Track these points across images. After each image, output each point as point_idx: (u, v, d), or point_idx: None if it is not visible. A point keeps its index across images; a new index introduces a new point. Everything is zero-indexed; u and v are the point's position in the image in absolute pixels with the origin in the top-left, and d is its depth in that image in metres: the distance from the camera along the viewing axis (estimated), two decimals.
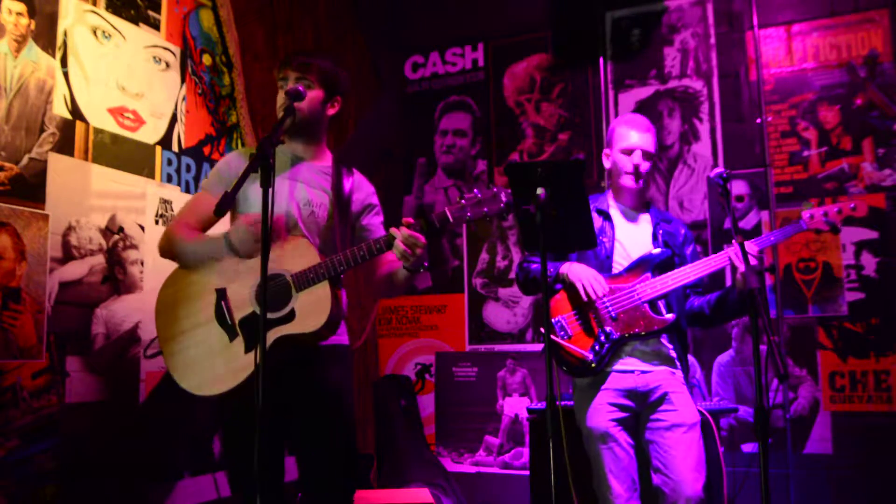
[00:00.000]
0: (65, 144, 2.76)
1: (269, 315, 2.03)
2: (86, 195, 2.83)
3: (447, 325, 4.60)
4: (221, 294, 2.15)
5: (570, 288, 2.53)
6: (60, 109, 2.75)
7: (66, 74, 2.78)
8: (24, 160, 2.61)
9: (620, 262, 2.59)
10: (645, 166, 2.61)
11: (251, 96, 3.69)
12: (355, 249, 2.10)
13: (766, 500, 1.95)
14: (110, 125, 2.95)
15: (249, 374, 2.04)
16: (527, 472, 3.57)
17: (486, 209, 2.06)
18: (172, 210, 3.19)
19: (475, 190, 2.11)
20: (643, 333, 2.48)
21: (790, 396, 3.78)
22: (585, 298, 2.48)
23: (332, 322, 2.11)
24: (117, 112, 2.99)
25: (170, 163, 3.22)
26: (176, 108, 3.28)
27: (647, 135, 2.63)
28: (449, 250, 4.67)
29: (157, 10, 3.23)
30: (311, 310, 2.07)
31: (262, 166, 1.85)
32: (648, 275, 2.53)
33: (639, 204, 2.69)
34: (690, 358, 3.95)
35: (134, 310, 2.99)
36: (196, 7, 3.45)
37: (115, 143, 2.97)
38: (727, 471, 2.93)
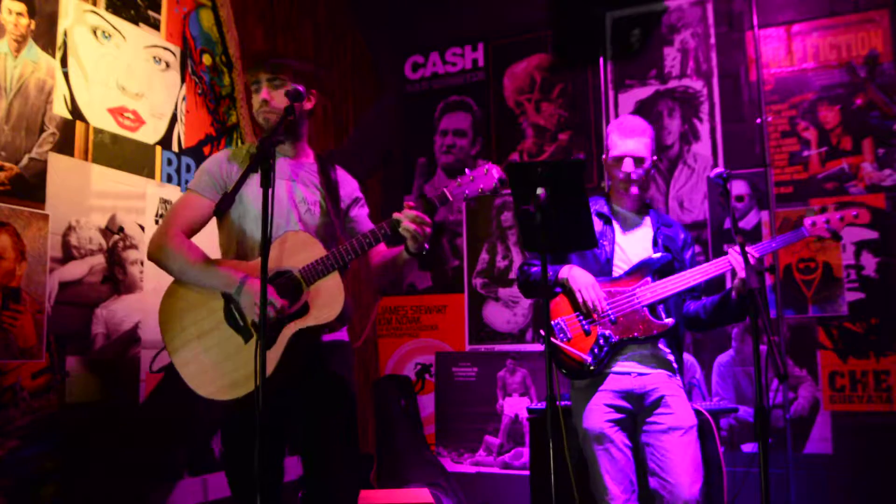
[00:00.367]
0: (65, 144, 2.76)
1: None
2: (86, 195, 2.83)
3: (447, 325, 4.60)
4: (230, 297, 2.12)
5: (571, 293, 2.53)
6: (60, 109, 2.75)
7: (66, 74, 2.78)
8: (24, 160, 2.61)
9: (621, 265, 2.59)
10: (637, 173, 2.59)
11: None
12: (361, 237, 2.11)
13: (766, 500, 1.95)
14: (110, 125, 2.95)
15: (272, 371, 1.99)
16: (527, 472, 3.57)
17: (481, 186, 2.12)
18: None
19: (466, 170, 2.15)
20: (642, 337, 2.49)
21: (790, 396, 3.78)
22: (585, 310, 2.49)
23: (346, 311, 2.11)
24: (117, 112, 2.99)
25: (170, 163, 3.22)
26: (176, 108, 3.28)
27: (637, 139, 2.60)
28: (449, 250, 4.67)
29: (157, 10, 3.23)
30: (325, 301, 2.07)
31: (263, 166, 1.84)
32: (649, 279, 2.53)
33: (638, 207, 2.69)
34: (691, 358, 3.95)
35: (134, 310, 2.99)
36: (196, 7, 3.45)
37: (115, 143, 2.97)
38: (727, 471, 2.93)
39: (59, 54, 2.76)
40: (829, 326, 3.77)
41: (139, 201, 3.06)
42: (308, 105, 2.27)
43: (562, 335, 2.52)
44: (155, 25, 3.21)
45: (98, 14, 2.94)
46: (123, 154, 3.00)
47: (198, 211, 2.23)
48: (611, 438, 2.46)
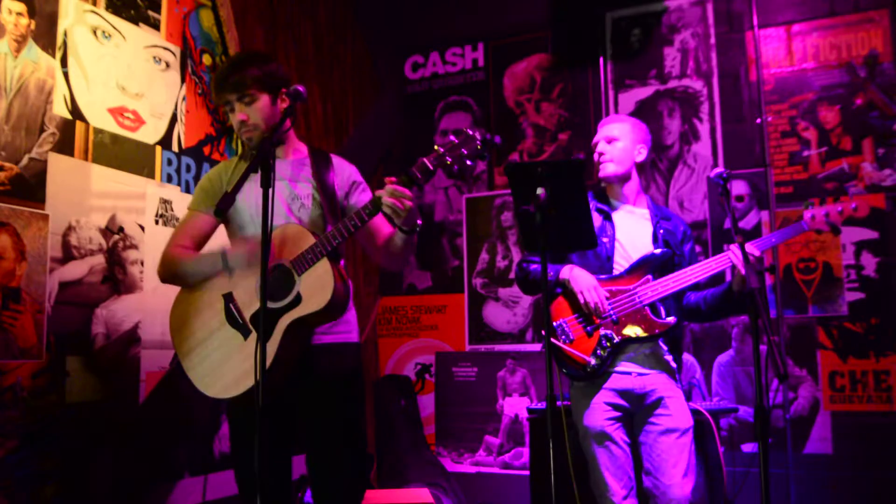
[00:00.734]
0: (65, 144, 2.76)
1: (277, 304, 2.05)
2: (86, 195, 2.83)
3: (447, 325, 4.60)
4: (229, 297, 2.17)
5: (572, 294, 2.53)
6: (60, 109, 2.75)
7: (66, 74, 2.78)
8: (24, 160, 2.61)
9: (621, 262, 2.59)
10: (609, 152, 2.62)
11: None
12: (346, 220, 2.09)
13: (766, 500, 1.95)
14: (110, 125, 2.95)
15: (270, 364, 2.02)
16: (527, 472, 3.57)
17: (463, 151, 2.03)
18: (172, 210, 3.20)
19: (450, 136, 2.08)
20: (644, 336, 2.49)
21: (790, 396, 3.78)
22: (586, 311, 2.49)
23: (338, 296, 2.09)
24: (117, 112, 2.99)
25: (170, 163, 3.22)
26: (176, 108, 3.28)
27: (610, 126, 2.67)
28: (449, 250, 4.67)
29: (157, 10, 3.23)
30: (315, 289, 2.07)
31: (263, 167, 1.84)
32: (649, 276, 2.53)
33: (625, 194, 2.67)
34: (691, 358, 3.95)
35: (134, 310, 2.99)
36: (196, 7, 3.45)
37: (115, 143, 2.97)
38: (727, 471, 2.93)
39: (59, 54, 2.76)
40: (829, 326, 3.77)
41: (139, 201, 3.06)
42: (283, 104, 2.24)
43: (564, 337, 2.52)
44: (155, 25, 3.21)
45: (98, 14, 2.94)
46: (123, 154, 3.00)
47: (195, 224, 2.30)
48: (611, 436, 2.46)
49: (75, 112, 2.81)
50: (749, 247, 2.39)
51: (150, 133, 3.14)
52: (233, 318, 2.15)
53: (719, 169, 2.30)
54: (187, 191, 3.28)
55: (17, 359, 2.52)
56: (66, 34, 2.79)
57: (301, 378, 2.17)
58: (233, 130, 3.68)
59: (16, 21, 2.61)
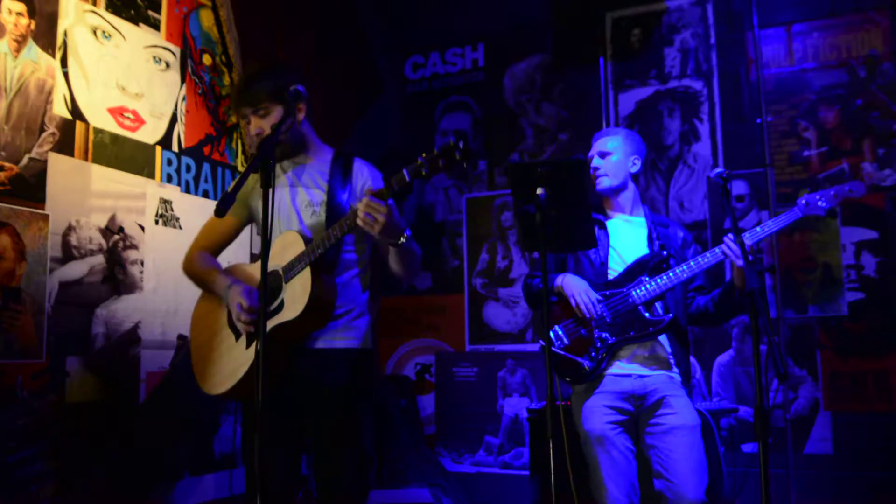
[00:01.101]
0: (65, 144, 2.76)
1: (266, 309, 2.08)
2: (86, 195, 2.83)
3: (447, 325, 4.60)
4: None
5: (566, 300, 2.54)
6: (60, 109, 2.75)
7: (66, 74, 2.78)
8: (24, 160, 2.61)
9: (616, 268, 2.60)
10: (604, 167, 2.63)
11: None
12: (329, 231, 2.10)
13: (766, 500, 1.95)
14: (110, 125, 2.95)
15: (246, 370, 2.13)
16: (527, 472, 3.57)
17: (441, 162, 1.97)
18: (172, 210, 3.20)
19: (436, 147, 2.12)
20: (638, 336, 2.49)
21: (790, 396, 3.78)
22: (579, 314, 2.50)
23: (315, 307, 2.08)
24: (117, 112, 2.99)
25: (170, 163, 3.22)
26: (176, 108, 3.28)
27: (603, 139, 2.68)
28: (449, 250, 4.67)
29: (157, 10, 3.23)
30: (294, 297, 2.10)
31: (263, 166, 1.85)
32: (643, 277, 2.53)
33: (621, 204, 2.68)
34: (691, 358, 3.95)
35: (134, 310, 2.99)
36: (196, 7, 3.45)
37: (115, 143, 2.97)
38: (727, 471, 2.93)
39: (59, 54, 2.76)
40: (829, 326, 3.77)
41: (139, 201, 3.06)
42: (301, 115, 2.26)
43: (559, 342, 2.53)
44: (155, 25, 3.21)
45: (98, 14, 2.94)
46: (123, 154, 3.00)
47: (216, 228, 2.40)
48: (611, 440, 2.45)
49: (75, 112, 2.81)
50: (744, 237, 2.37)
51: (149, 133, 3.14)
52: (231, 320, 2.24)
53: (719, 169, 2.29)
54: (187, 191, 3.28)
55: (17, 359, 2.52)
56: (66, 34, 2.79)
57: (301, 381, 2.18)
58: (233, 130, 3.70)
59: (16, 21, 2.62)
